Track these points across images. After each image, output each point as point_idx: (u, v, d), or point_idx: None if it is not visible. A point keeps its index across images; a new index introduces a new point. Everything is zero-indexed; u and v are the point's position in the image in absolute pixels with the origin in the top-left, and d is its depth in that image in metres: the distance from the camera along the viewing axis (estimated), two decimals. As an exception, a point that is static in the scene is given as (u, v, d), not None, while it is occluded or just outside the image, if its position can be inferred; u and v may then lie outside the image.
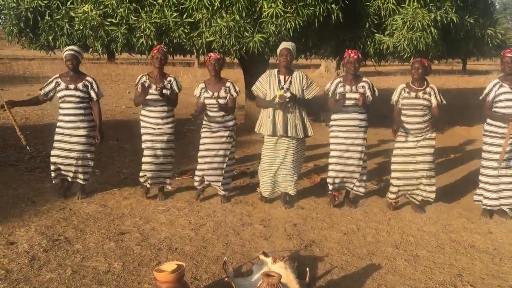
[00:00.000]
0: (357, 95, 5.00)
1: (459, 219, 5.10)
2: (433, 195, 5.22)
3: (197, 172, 5.44)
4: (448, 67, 39.17)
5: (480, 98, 5.09)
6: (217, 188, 5.52)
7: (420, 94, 5.05)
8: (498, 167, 4.96)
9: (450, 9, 7.02)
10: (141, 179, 5.48)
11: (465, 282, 3.68)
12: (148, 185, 5.50)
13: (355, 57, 5.06)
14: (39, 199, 5.36)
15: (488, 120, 5.05)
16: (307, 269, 3.52)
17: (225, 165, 5.41)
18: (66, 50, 5.22)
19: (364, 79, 5.21)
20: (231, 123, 5.38)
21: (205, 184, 5.51)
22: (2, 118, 10.00)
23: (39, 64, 25.17)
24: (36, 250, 4.02)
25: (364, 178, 5.36)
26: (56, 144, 5.29)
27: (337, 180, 5.32)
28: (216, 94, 5.26)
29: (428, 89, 5.08)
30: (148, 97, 5.28)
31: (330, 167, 5.33)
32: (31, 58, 29.70)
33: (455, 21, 7.05)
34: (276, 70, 5.21)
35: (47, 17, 7.42)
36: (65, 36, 7.54)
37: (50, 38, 7.64)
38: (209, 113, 5.34)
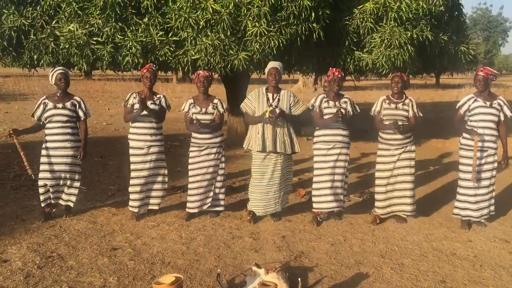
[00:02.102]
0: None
1: (440, 229, 5.31)
2: (411, 208, 5.41)
3: (189, 192, 5.49)
4: (422, 81, 40.16)
5: (456, 107, 5.34)
6: (207, 208, 5.58)
7: (400, 105, 5.30)
8: (473, 184, 5.19)
9: (425, 28, 7.35)
10: (131, 203, 5.44)
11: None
12: (137, 210, 5.47)
13: (339, 75, 5.27)
14: (28, 217, 5.38)
15: (464, 134, 5.29)
16: (299, 279, 3.65)
17: (215, 181, 5.52)
18: (57, 70, 5.25)
19: (345, 96, 5.42)
20: (218, 140, 5.49)
21: (198, 211, 5.54)
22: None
23: (15, 82, 24.92)
24: (30, 267, 4.06)
25: (345, 192, 5.52)
26: (43, 167, 5.24)
27: (322, 199, 5.36)
28: (204, 109, 5.39)
29: (407, 101, 5.33)
30: (140, 100, 5.34)
31: (315, 185, 5.39)
32: (6, 75, 29.36)
33: (430, 38, 7.38)
34: (264, 88, 5.38)
35: (32, 36, 7.47)
36: (49, 55, 7.60)
37: (35, 56, 7.67)
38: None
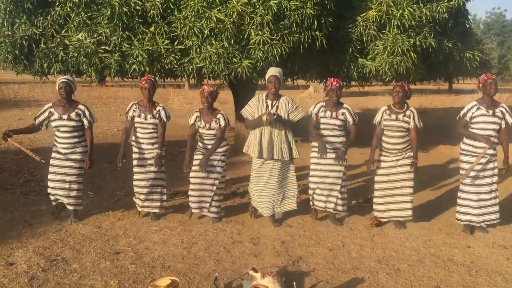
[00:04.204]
0: (336, 121, 5.40)
1: (439, 235, 5.35)
2: (410, 212, 5.48)
3: (190, 193, 5.64)
4: (435, 87, 39.94)
5: (457, 117, 5.38)
6: (205, 213, 5.72)
7: (400, 116, 5.35)
8: (461, 180, 5.29)
9: (428, 35, 7.40)
10: (135, 200, 5.76)
11: (443, 293, 3.92)
12: (140, 209, 5.74)
13: (337, 85, 5.37)
14: (36, 222, 5.53)
15: (465, 140, 5.34)
16: (294, 283, 3.72)
17: (215, 187, 5.63)
18: (60, 79, 5.42)
19: (344, 105, 5.51)
20: (222, 149, 5.63)
21: (198, 212, 5.72)
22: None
23: (30, 88, 25.33)
24: (35, 270, 4.19)
25: (345, 196, 5.62)
26: (51, 169, 5.47)
27: (318, 198, 5.62)
28: (208, 125, 5.54)
29: (408, 112, 5.38)
30: (138, 125, 5.56)
31: (311, 186, 5.67)
32: (21, 82, 29.85)
33: (434, 45, 7.41)
34: (264, 94, 5.50)
35: (42, 45, 7.68)
36: (59, 63, 7.80)
37: (45, 65, 7.88)
38: (203, 141, 5.63)
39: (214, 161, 5.57)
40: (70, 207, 5.57)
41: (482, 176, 5.26)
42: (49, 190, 5.53)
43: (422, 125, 5.42)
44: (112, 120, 15.64)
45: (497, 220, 5.36)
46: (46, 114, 5.40)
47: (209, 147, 5.55)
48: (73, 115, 5.42)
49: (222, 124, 5.57)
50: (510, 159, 5.28)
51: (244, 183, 7.53)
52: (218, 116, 5.59)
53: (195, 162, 5.60)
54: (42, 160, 5.34)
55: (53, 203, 5.61)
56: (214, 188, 5.61)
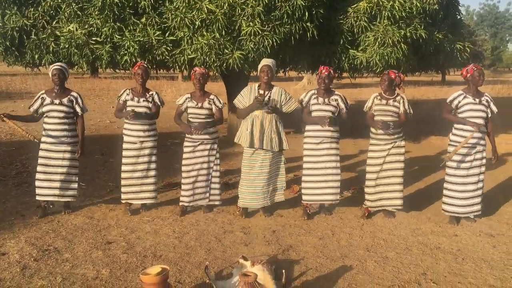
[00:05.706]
0: (329, 107, 5.39)
1: (427, 223, 5.43)
2: (400, 202, 5.55)
3: (183, 187, 5.62)
4: (428, 78, 40.05)
5: (447, 101, 5.45)
6: (203, 203, 5.74)
7: (391, 101, 5.44)
8: (442, 164, 5.38)
9: (419, 26, 7.43)
10: (123, 196, 5.64)
11: (429, 279, 3.99)
12: (130, 202, 5.67)
13: (326, 73, 5.41)
14: (28, 213, 5.56)
15: (454, 130, 5.43)
16: (283, 271, 3.79)
17: (210, 176, 5.67)
18: (54, 66, 5.41)
19: (336, 92, 5.55)
20: (214, 135, 5.64)
21: (192, 204, 5.69)
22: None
23: (22, 80, 25.15)
24: (27, 260, 4.23)
25: (338, 185, 5.62)
26: (41, 161, 5.41)
27: (311, 192, 5.56)
28: (200, 104, 5.52)
29: (398, 98, 5.47)
30: (130, 108, 5.48)
31: (304, 178, 5.60)
32: (13, 74, 29.64)
33: (424, 37, 7.46)
34: (256, 85, 5.51)
35: (33, 36, 7.65)
36: (50, 54, 7.78)
37: (36, 56, 7.86)
38: (193, 123, 5.54)
39: (205, 151, 5.59)
40: (61, 199, 5.53)
41: (469, 167, 5.34)
42: (36, 181, 5.43)
43: (412, 111, 5.49)
44: (105, 112, 15.60)
45: (479, 212, 5.46)
46: (39, 101, 5.40)
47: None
48: (65, 100, 5.40)
49: (219, 105, 5.57)
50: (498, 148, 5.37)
51: (236, 174, 7.58)
52: (212, 96, 5.59)
53: (186, 156, 5.58)
54: (36, 139, 5.21)
55: (37, 197, 5.49)
56: (210, 177, 5.65)
